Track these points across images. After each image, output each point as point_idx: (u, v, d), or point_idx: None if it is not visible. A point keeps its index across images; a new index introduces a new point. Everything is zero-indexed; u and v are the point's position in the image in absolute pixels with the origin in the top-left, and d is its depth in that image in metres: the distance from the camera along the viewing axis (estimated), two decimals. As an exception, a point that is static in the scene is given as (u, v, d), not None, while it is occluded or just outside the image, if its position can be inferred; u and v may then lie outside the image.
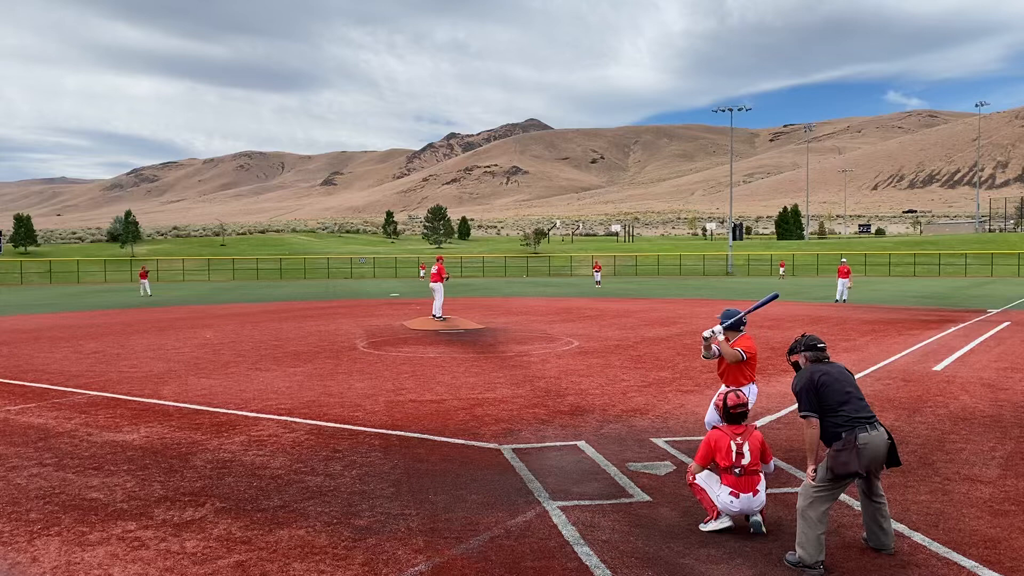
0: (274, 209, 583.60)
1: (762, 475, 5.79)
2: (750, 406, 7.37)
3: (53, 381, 12.89)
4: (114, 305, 34.66)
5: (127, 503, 6.53)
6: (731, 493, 5.68)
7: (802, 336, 5.79)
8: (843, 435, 5.20)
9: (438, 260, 24.37)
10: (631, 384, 12.25)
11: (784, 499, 6.47)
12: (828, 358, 5.61)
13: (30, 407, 10.72)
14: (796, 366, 5.75)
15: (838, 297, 32.58)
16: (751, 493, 5.66)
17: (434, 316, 22.49)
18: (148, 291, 43.25)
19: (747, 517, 5.76)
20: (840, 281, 32.70)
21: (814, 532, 5.12)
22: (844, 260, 34.29)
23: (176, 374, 13.54)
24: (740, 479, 5.69)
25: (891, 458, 5.34)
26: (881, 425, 5.32)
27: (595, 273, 51.70)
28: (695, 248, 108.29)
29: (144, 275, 44.46)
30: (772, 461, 5.79)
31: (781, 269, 67.12)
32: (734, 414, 5.97)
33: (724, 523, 5.75)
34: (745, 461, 5.72)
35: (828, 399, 5.31)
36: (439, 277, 22.85)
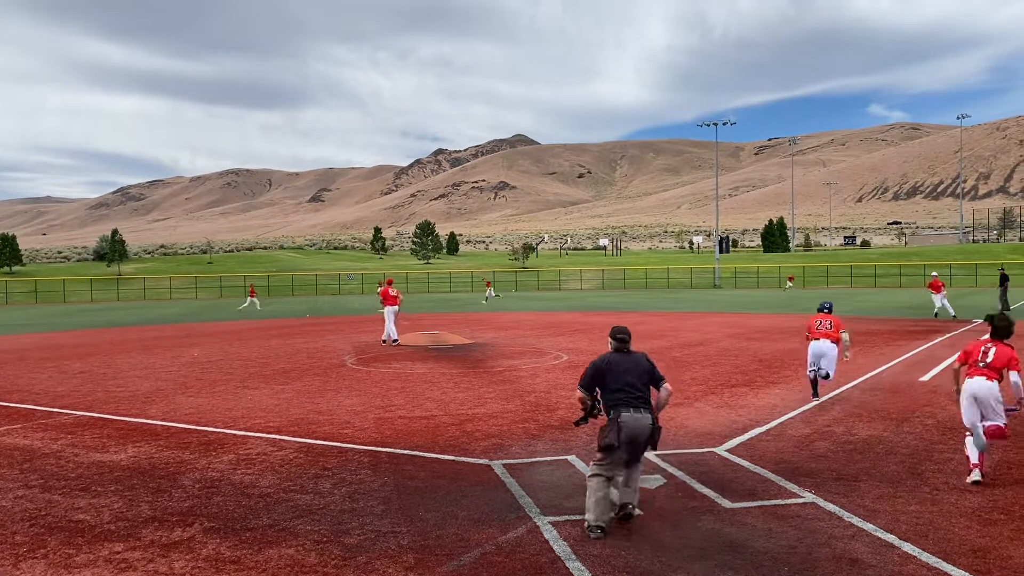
0: (261, 226, 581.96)
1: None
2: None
3: (39, 402, 12.76)
4: (100, 324, 34.40)
5: (114, 524, 6.46)
6: None
7: (615, 326, 6.70)
8: (611, 414, 6.22)
9: (388, 282, 22.66)
10: (621, 398, 12.24)
11: (774, 511, 6.48)
12: (627, 348, 6.49)
13: (15, 428, 10.61)
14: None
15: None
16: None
17: (384, 342, 21.13)
18: (257, 305, 46.56)
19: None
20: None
21: (593, 496, 6.03)
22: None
23: (163, 393, 13.45)
24: None
25: (651, 441, 6.21)
26: (649, 411, 6.19)
27: (488, 290, 51.83)
28: (682, 261, 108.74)
29: (252, 292, 49.51)
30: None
31: (789, 282, 65.75)
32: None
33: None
34: None
35: (607, 383, 6.32)
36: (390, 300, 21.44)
